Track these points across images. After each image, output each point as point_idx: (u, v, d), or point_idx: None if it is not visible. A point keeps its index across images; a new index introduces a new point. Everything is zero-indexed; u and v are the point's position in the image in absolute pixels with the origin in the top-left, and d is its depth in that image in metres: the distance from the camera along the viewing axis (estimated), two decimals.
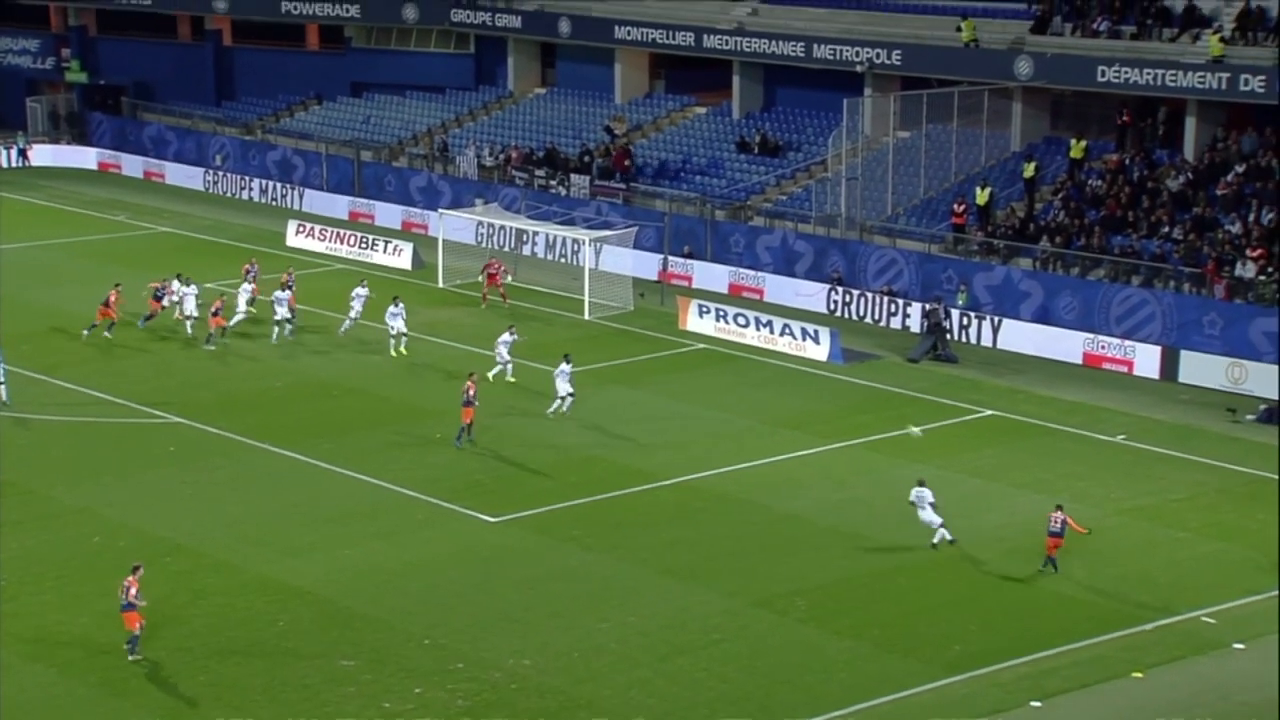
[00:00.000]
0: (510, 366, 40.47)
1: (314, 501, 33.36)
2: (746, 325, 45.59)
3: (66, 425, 37.81)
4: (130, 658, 26.06)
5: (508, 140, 62.14)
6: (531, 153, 60.29)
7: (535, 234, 54.27)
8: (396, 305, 43.19)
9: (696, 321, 46.51)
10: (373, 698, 25.22)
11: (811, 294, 49.17)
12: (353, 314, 44.29)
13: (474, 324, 46.26)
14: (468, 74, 67.59)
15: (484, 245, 54.64)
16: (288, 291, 44.13)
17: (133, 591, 26.08)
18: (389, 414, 38.83)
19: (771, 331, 45.04)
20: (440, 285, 50.76)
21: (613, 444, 36.89)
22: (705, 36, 58.79)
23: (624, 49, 62.32)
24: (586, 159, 58.58)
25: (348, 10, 68.08)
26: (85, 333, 43.86)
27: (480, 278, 49.06)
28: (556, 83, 65.96)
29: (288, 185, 63.80)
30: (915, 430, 35.88)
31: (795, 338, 44.52)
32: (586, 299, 48.06)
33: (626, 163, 57.33)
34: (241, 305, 45.18)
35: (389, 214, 60.01)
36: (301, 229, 56.81)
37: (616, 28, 61.44)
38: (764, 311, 46.48)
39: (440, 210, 54.74)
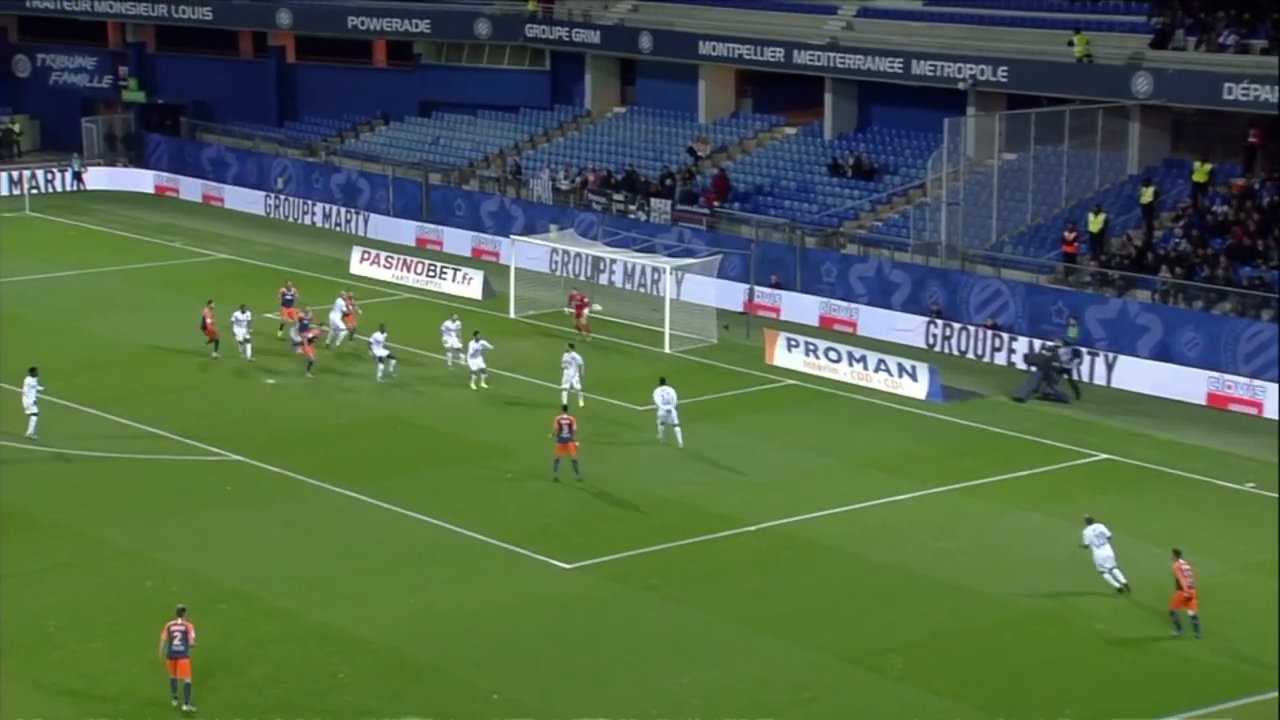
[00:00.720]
0: (571, 389, 40.82)
1: (378, 545, 33.50)
2: (838, 360, 45.38)
3: (118, 462, 38.23)
4: (185, 707, 26.21)
5: (584, 162, 62.44)
6: (609, 175, 60.52)
7: (613, 262, 54.39)
8: (477, 340, 43.55)
9: (785, 356, 46.37)
10: None
11: (909, 327, 48.88)
12: (453, 348, 44.74)
13: (548, 357, 46.30)
14: (543, 92, 68.01)
15: (558, 274, 54.86)
16: (384, 332, 44.63)
17: (192, 635, 26.25)
18: (458, 451, 38.99)
19: (865, 367, 44.80)
20: (512, 316, 50.99)
21: (695, 486, 36.80)
22: (796, 52, 58.77)
23: (708, 65, 62.45)
24: (668, 182, 58.69)
25: (417, 25, 68.77)
26: (215, 355, 45.40)
27: (568, 310, 49.21)
28: (636, 101, 66.20)
29: (352, 210, 64.42)
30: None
31: (891, 374, 44.25)
32: (667, 331, 48.07)
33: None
34: (340, 325, 46.57)
35: (458, 240, 60.42)
36: (366, 256, 57.33)
37: (701, 43, 61.60)
38: (857, 346, 46.24)
39: (513, 236, 55.04)
